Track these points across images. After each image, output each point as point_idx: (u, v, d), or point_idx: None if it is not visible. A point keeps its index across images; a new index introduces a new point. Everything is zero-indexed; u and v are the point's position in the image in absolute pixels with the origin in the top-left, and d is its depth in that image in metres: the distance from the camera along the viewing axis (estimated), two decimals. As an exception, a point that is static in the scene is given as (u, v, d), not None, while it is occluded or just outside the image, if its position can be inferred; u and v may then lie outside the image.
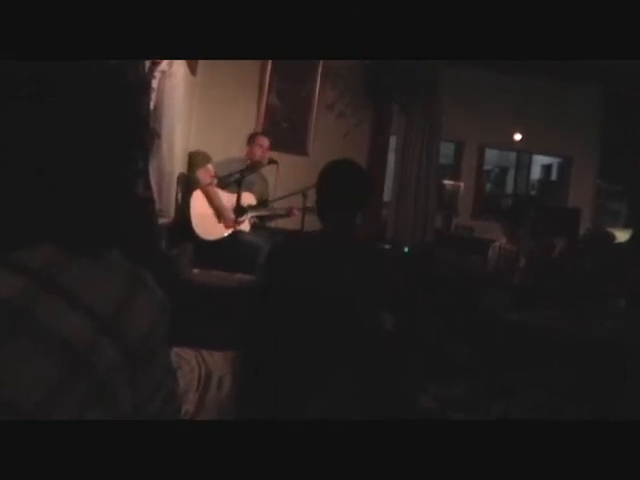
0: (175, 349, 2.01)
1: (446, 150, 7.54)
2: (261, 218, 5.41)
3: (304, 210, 4.80)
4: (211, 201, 5.11)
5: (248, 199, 5.19)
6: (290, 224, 5.28)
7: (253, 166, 5.15)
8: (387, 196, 7.12)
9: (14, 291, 0.78)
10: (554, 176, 9.86)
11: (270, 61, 6.07)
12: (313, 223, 2.79)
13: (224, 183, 5.11)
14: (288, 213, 5.22)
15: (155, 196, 4.25)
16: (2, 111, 0.79)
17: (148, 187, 4.17)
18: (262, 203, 5.31)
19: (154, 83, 4.08)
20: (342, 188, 2.44)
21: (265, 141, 5.35)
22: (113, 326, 0.83)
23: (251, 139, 5.38)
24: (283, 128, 6.34)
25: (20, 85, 0.79)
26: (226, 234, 5.13)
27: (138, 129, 0.91)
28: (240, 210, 5.00)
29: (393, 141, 6.90)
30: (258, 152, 5.24)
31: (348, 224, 2.47)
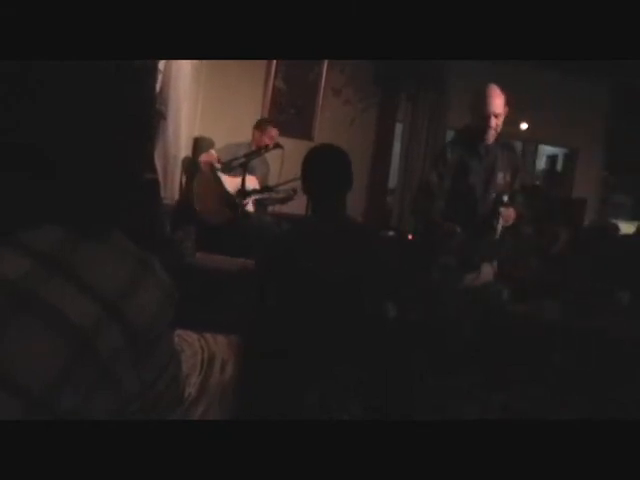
0: (178, 332, 2.01)
1: (452, 138, 7.50)
2: (264, 202, 5.40)
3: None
4: (215, 185, 5.11)
5: (251, 182, 5.18)
6: (294, 208, 5.27)
7: (258, 150, 5.14)
8: (392, 183, 7.11)
9: (21, 273, 0.79)
10: (560, 167, 9.81)
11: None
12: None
13: (228, 167, 5.10)
14: (290, 196, 5.21)
15: (160, 179, 4.25)
16: (10, 101, 0.80)
17: (153, 170, 4.16)
18: (264, 187, 5.30)
19: (160, 66, 4.07)
20: (325, 174, 2.55)
21: (275, 131, 5.34)
22: (119, 309, 0.83)
23: (259, 126, 5.35)
24: (289, 113, 6.32)
25: (25, 80, 0.80)
26: (229, 218, 5.12)
27: (143, 112, 0.91)
28: (244, 194, 4.99)
29: (399, 128, 6.88)
30: (267, 142, 5.23)
31: (337, 206, 2.55)
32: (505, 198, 3.71)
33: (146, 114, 0.92)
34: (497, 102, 3.59)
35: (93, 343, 0.80)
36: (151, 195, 3.64)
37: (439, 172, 3.66)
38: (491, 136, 3.66)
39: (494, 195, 3.72)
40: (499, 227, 3.66)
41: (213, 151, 5.27)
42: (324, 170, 2.56)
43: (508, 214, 3.71)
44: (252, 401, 1.92)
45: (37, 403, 0.77)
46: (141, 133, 0.91)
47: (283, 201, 5.34)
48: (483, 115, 3.58)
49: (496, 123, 3.61)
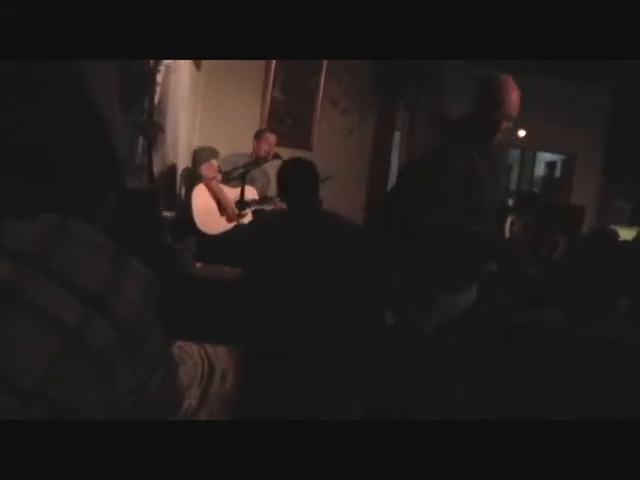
0: (178, 343, 2.02)
1: (450, 147, 7.50)
2: (263, 212, 5.41)
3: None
4: (214, 195, 5.12)
5: (250, 193, 5.20)
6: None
7: (257, 161, 5.16)
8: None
9: (3, 272, 0.79)
10: (558, 173, 9.82)
11: (275, 56, 6.07)
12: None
13: (227, 178, 5.12)
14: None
15: (159, 190, 4.25)
16: (10, 101, 0.80)
17: (153, 180, 4.17)
18: (264, 197, 5.31)
19: (159, 77, 4.08)
20: (290, 181, 3.10)
21: (273, 137, 5.36)
22: (104, 305, 0.83)
23: (259, 135, 5.37)
24: (287, 123, 6.33)
25: (25, 80, 0.80)
26: (228, 228, 5.13)
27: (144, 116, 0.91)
28: (243, 204, 5.00)
29: (397, 137, 6.88)
30: (265, 147, 5.25)
31: (306, 207, 3.01)
32: (510, 202, 3.58)
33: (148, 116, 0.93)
34: (515, 101, 3.05)
35: (82, 338, 0.81)
36: (150, 206, 3.64)
37: (452, 178, 2.97)
38: (502, 138, 3.14)
39: (509, 203, 3.55)
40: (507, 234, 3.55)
41: (214, 162, 5.29)
42: (289, 178, 3.12)
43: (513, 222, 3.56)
44: (252, 401, 1.93)
45: (30, 400, 0.77)
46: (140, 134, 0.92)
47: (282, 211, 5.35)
48: (496, 113, 3.03)
49: (510, 124, 3.09)
